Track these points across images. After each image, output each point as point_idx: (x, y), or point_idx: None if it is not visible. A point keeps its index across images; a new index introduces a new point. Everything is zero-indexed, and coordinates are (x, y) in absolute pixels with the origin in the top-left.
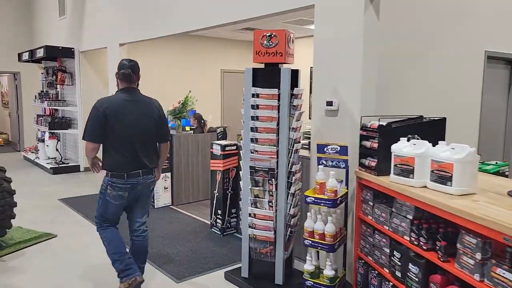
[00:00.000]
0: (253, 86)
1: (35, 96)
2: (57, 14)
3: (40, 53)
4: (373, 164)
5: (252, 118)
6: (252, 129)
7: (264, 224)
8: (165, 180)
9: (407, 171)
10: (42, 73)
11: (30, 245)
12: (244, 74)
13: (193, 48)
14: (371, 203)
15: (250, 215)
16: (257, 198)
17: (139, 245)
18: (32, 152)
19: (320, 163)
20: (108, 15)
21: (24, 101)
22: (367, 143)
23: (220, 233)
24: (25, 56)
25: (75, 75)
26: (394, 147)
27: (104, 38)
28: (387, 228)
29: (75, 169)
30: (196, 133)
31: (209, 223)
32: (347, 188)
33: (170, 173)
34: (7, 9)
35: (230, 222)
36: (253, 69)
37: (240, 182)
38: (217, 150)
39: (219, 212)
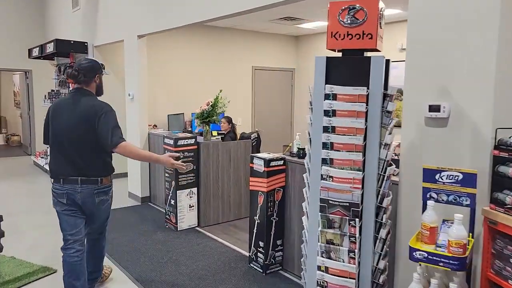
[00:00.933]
0: (327, 83)
1: (45, 96)
2: (70, 5)
3: (50, 48)
4: None
5: (326, 129)
6: (324, 146)
7: (341, 283)
8: (190, 197)
9: None
10: (55, 71)
11: (21, 286)
12: (315, 64)
13: (221, 41)
14: None
15: (319, 268)
16: (331, 245)
17: (88, 248)
18: (42, 158)
19: (429, 196)
20: (126, 4)
21: (35, 101)
22: (508, 170)
23: (262, 270)
24: (35, 52)
25: None
26: None
27: (121, 30)
28: None
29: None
30: (226, 139)
31: (248, 255)
32: (473, 236)
33: (196, 188)
34: (19, 1)
35: (275, 256)
36: (328, 58)
37: (304, 220)
38: (259, 166)
39: (261, 244)
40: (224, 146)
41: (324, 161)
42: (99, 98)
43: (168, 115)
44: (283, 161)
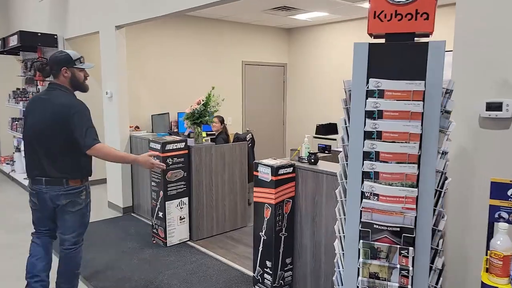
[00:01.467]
0: (370, 76)
1: (9, 95)
2: None
3: (13, 41)
4: None
5: (369, 135)
6: (367, 156)
7: None
8: (180, 209)
9: None
10: (21, 67)
11: None
12: (354, 52)
13: (210, 34)
14: None
15: None
16: (376, 280)
17: (59, 261)
18: (8, 164)
19: (498, 216)
20: None
21: None
22: None
23: None
24: None
25: None
26: None
27: (96, 20)
28: None
29: None
30: (218, 141)
31: (252, 275)
32: None
33: (187, 198)
34: None
35: (284, 277)
36: (371, 45)
37: (336, 247)
38: (265, 174)
39: (268, 263)
40: (217, 150)
41: (367, 175)
42: (85, 94)
43: (152, 116)
44: (292, 168)
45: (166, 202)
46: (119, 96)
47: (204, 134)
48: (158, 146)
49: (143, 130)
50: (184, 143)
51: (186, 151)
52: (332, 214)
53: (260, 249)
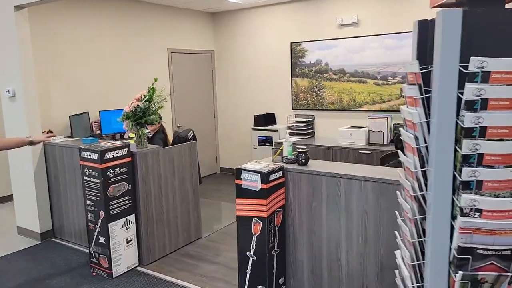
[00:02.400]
0: (465, 55)
1: None
2: None
3: None
4: None
5: (469, 132)
6: (466, 160)
7: None
8: (126, 229)
9: None
10: None
11: None
12: (437, 24)
13: (131, 18)
14: None
15: None
16: None
17: None
18: None
19: None
20: None
21: None
22: None
23: None
24: None
25: None
26: None
27: None
28: None
29: None
30: (156, 142)
31: None
32: None
33: (133, 215)
34: None
35: None
36: (466, 13)
37: (406, 280)
38: (253, 182)
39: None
40: (165, 154)
41: (466, 186)
42: None
43: (70, 117)
44: (282, 171)
45: (109, 224)
46: (26, 95)
47: (132, 135)
48: (95, 156)
49: (59, 136)
50: (126, 149)
51: (130, 159)
52: (335, 221)
53: (249, 272)
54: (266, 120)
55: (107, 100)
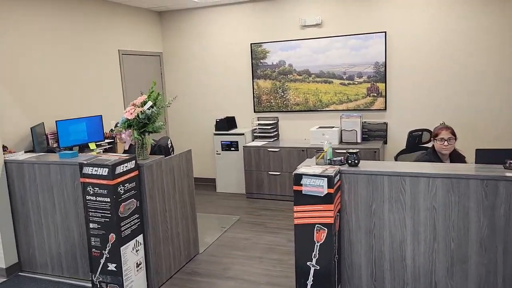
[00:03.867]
0: None
1: None
2: None
3: None
4: None
5: None
6: None
7: None
8: (136, 252)
9: None
10: None
11: None
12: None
13: (79, 16)
14: None
15: None
16: None
17: None
18: None
19: None
20: None
21: None
22: None
23: None
24: None
25: None
26: None
27: None
28: None
29: None
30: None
31: None
32: None
33: (141, 235)
34: None
35: None
36: None
37: None
38: (317, 187)
39: None
40: (167, 165)
41: None
42: None
43: (31, 128)
44: (339, 174)
45: (122, 247)
46: None
47: (93, 146)
48: (105, 171)
49: (18, 152)
50: (134, 161)
51: (137, 172)
52: (399, 221)
53: (310, 283)
54: (229, 124)
55: (60, 108)
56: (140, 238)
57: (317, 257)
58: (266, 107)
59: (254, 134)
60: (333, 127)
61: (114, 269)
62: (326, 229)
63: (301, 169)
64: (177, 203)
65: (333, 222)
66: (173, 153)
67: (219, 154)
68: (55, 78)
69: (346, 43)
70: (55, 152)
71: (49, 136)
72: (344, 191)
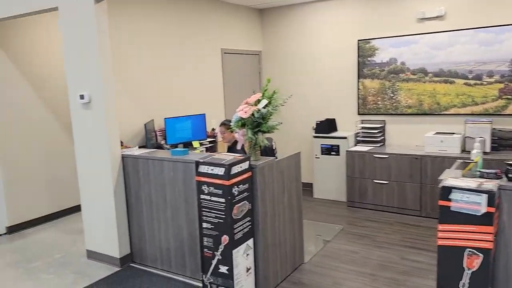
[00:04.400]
0: None
1: None
2: None
3: None
4: None
5: None
6: None
7: None
8: (246, 256)
9: None
10: None
11: None
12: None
13: (185, 14)
14: None
15: None
16: None
17: None
18: None
19: None
20: None
21: None
22: None
23: None
24: None
25: None
26: None
27: None
28: None
29: None
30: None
31: None
32: None
33: (252, 239)
34: None
35: None
36: None
37: None
38: (473, 205)
39: None
40: (278, 167)
41: None
42: None
43: (145, 125)
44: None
45: (233, 251)
46: (104, 100)
47: (197, 144)
48: (221, 171)
49: (133, 147)
50: (247, 162)
51: (250, 173)
52: None
53: None
54: (329, 127)
55: (167, 106)
56: (250, 242)
57: (466, 286)
58: (372, 109)
59: (357, 138)
60: (453, 133)
61: (226, 271)
62: (481, 255)
63: (450, 181)
64: (285, 208)
65: (491, 247)
66: (276, 155)
67: (318, 158)
68: (163, 77)
69: (474, 37)
70: (163, 149)
71: (157, 133)
72: (503, 210)
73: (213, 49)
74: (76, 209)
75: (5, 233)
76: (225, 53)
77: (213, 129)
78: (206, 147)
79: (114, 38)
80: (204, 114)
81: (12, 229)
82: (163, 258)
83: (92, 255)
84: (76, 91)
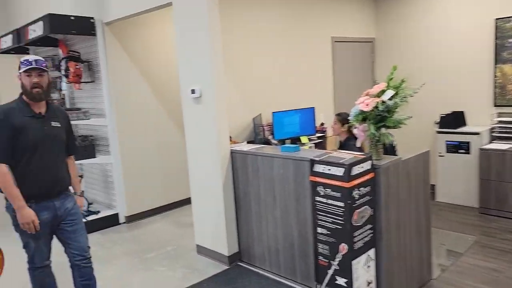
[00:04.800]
0: None
1: None
2: None
3: (36, 31)
4: None
5: None
6: None
7: None
8: (367, 268)
9: None
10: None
11: None
12: None
13: (297, 9)
14: None
15: None
16: None
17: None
18: None
19: None
20: None
21: None
22: None
23: None
24: (7, 41)
25: (99, 65)
26: None
27: None
28: None
29: (112, 220)
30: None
31: None
32: None
33: (373, 249)
34: None
35: None
36: None
37: None
38: None
39: None
40: (403, 168)
41: None
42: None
43: (253, 119)
44: None
45: (353, 262)
46: (215, 95)
47: (305, 139)
48: (340, 171)
49: (242, 143)
50: (369, 161)
51: (372, 175)
52: None
53: None
54: (456, 120)
55: (275, 99)
56: (371, 252)
57: None
58: None
59: (493, 134)
60: None
61: (344, 284)
62: None
63: None
64: (411, 215)
65: None
66: (396, 153)
67: (443, 156)
68: (272, 69)
69: None
70: (270, 144)
71: (265, 127)
72: None
73: (324, 37)
74: (184, 202)
75: (124, 222)
76: (335, 41)
77: (322, 124)
78: (315, 143)
79: (225, 30)
80: (313, 108)
81: (130, 219)
82: (272, 259)
83: (201, 250)
84: (187, 85)
